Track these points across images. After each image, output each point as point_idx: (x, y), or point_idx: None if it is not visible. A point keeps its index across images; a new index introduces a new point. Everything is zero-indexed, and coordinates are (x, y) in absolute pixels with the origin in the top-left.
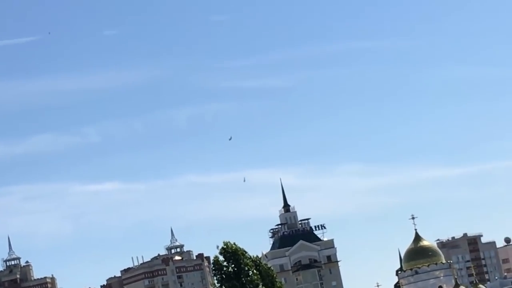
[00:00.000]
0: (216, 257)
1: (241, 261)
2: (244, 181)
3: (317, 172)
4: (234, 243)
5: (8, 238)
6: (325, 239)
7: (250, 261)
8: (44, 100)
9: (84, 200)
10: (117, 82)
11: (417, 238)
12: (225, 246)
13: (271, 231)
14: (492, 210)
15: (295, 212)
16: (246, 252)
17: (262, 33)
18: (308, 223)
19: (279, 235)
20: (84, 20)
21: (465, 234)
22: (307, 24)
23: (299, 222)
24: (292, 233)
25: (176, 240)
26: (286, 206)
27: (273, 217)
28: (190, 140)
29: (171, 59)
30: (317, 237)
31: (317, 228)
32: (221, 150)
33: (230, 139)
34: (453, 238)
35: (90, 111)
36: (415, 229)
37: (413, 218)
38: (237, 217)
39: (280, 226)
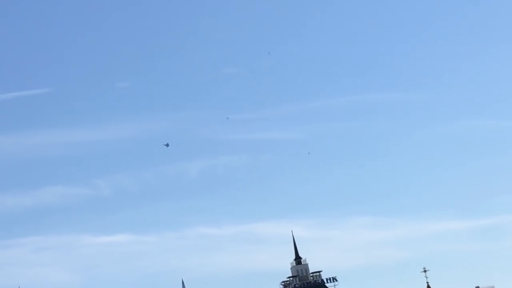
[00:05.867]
0: None
1: None
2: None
3: (328, 224)
4: None
5: None
6: None
7: None
8: (55, 152)
9: (95, 252)
10: (129, 134)
11: None
12: None
13: (283, 283)
14: (504, 262)
15: (307, 264)
16: None
17: (273, 86)
18: (319, 275)
19: (290, 287)
20: (97, 71)
21: (477, 287)
22: (319, 77)
23: (311, 275)
24: (304, 285)
25: None
26: (298, 258)
27: (285, 269)
28: (202, 192)
29: (183, 111)
30: None
31: (328, 281)
32: (232, 202)
33: (167, 145)
34: None
35: (102, 163)
36: (427, 282)
37: (425, 271)
38: (248, 269)
39: (291, 278)
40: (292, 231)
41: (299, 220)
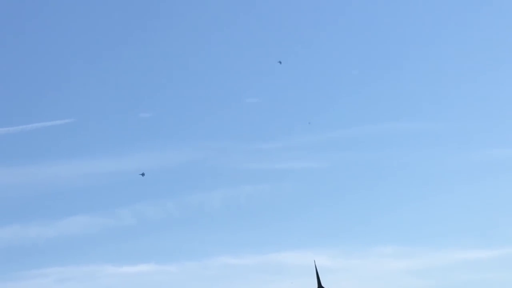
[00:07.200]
0: None
1: None
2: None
3: (351, 254)
4: None
5: None
6: None
7: None
8: (78, 182)
9: (118, 282)
10: (152, 164)
11: None
12: None
13: None
14: None
15: None
16: None
17: (295, 116)
18: None
19: None
20: (120, 102)
21: None
22: (341, 106)
23: None
24: None
25: None
26: None
27: None
28: (224, 221)
29: (205, 141)
30: None
31: None
32: (254, 232)
33: (142, 174)
34: None
35: (125, 193)
36: None
37: None
38: None
39: None
40: (314, 260)
41: (321, 249)
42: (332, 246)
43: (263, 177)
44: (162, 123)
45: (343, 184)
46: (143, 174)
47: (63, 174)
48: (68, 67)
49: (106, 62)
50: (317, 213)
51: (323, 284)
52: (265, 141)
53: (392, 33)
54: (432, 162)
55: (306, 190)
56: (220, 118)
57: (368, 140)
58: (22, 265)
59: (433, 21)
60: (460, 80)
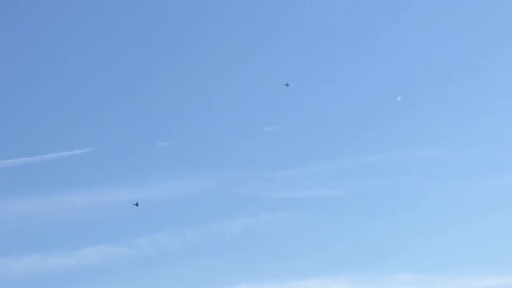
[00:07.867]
0: None
1: None
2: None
3: (370, 281)
4: None
5: None
6: None
7: None
8: (97, 212)
9: None
10: (170, 193)
11: None
12: None
13: None
14: None
15: None
16: None
17: (314, 143)
18: None
19: None
20: (138, 131)
21: None
22: (359, 133)
23: None
24: None
25: None
26: None
27: None
28: (243, 250)
29: (224, 170)
30: None
31: None
32: (274, 260)
33: (136, 204)
34: None
35: (143, 223)
36: None
37: None
38: None
39: None
40: None
41: (340, 277)
42: (351, 274)
43: (283, 206)
44: (181, 152)
45: (362, 212)
46: (136, 204)
47: (81, 204)
48: (87, 98)
49: (124, 92)
50: (336, 241)
51: None
52: (284, 170)
53: (410, 60)
54: (451, 190)
55: (325, 218)
56: (239, 146)
57: (386, 168)
58: None
59: (447, 50)
60: (480, 107)
